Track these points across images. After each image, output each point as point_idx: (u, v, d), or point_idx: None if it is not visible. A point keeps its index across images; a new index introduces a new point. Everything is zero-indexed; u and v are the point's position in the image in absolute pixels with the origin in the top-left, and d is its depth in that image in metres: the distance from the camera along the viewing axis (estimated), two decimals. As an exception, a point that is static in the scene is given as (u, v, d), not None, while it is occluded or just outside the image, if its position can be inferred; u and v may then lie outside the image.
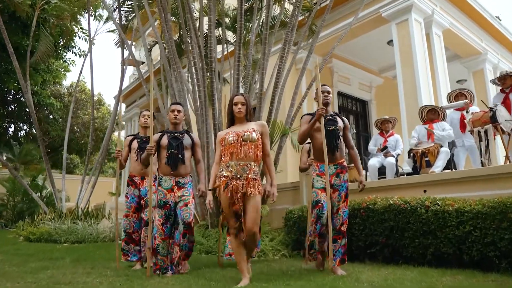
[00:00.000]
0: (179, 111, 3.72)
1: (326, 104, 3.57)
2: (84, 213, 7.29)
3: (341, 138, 3.58)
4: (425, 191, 4.47)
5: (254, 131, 3.05)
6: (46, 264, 3.93)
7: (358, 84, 11.24)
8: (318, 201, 3.42)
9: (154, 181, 3.93)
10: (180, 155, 3.53)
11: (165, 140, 3.60)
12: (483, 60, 9.96)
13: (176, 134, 3.65)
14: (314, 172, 3.56)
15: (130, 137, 4.31)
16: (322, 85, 3.62)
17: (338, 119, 3.62)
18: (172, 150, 3.53)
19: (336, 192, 3.49)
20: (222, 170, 3.00)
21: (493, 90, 9.97)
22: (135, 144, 4.24)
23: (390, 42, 9.01)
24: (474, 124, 4.79)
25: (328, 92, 3.64)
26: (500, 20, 10.81)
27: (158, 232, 3.45)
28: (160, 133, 3.69)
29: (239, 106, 3.10)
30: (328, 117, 3.55)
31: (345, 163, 3.59)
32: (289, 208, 5.15)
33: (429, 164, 5.02)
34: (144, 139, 4.14)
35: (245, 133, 3.01)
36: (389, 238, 3.87)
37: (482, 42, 9.89)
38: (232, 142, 2.99)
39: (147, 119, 4.25)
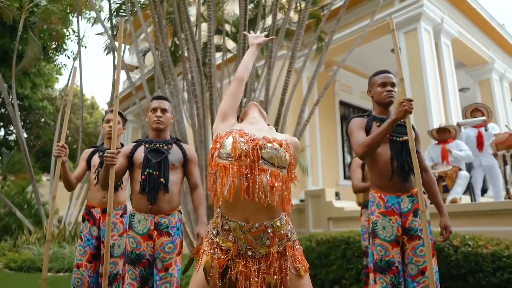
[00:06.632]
0: (164, 110, 2.39)
1: (390, 103, 2.30)
2: (72, 234, 6.82)
3: None
4: (446, 222, 4.09)
5: (283, 146, 1.32)
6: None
7: (360, 93, 10.85)
8: (390, 264, 2.03)
9: (122, 216, 2.82)
10: (162, 178, 2.20)
11: (140, 154, 2.27)
12: (490, 69, 9.63)
13: (158, 144, 2.31)
14: (377, 210, 2.14)
15: (90, 149, 2.99)
16: (383, 72, 2.39)
17: None
18: (150, 171, 2.19)
19: (416, 241, 2.07)
20: (218, 230, 1.32)
21: (500, 100, 9.67)
22: (95, 160, 2.88)
23: (394, 50, 8.64)
24: (498, 147, 4.41)
25: (394, 85, 2.33)
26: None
27: None
28: (135, 143, 2.37)
29: None
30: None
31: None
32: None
33: (447, 189, 4.63)
34: None
35: (269, 144, 1.29)
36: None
37: (488, 51, 9.56)
38: (241, 154, 1.26)
39: (111, 126, 2.77)
